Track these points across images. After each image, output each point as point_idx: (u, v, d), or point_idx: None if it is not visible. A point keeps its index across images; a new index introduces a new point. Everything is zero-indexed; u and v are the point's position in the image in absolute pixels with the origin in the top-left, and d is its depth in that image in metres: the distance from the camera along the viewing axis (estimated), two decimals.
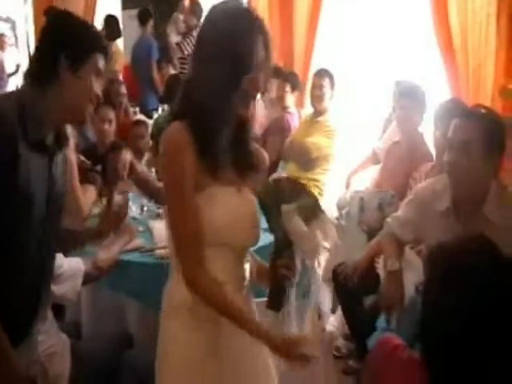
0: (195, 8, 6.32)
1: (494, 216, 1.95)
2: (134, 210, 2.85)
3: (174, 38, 6.45)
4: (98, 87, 1.58)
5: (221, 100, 1.39)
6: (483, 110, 2.09)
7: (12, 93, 1.80)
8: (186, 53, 5.96)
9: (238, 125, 1.47)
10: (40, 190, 1.51)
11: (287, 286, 1.50)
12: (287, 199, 1.50)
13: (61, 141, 1.60)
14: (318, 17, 4.56)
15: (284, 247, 1.48)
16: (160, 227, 2.67)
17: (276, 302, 1.51)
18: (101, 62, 1.58)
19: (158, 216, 2.81)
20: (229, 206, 1.44)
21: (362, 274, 2.56)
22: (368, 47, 4.40)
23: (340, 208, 3.27)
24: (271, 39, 1.44)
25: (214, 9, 1.47)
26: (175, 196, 1.40)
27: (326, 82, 3.92)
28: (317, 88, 3.94)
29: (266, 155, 1.67)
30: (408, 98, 3.23)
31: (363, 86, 4.44)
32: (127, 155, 2.53)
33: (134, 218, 2.79)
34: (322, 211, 1.51)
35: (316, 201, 1.53)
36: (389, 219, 2.31)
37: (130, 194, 3.11)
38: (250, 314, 1.48)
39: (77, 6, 6.45)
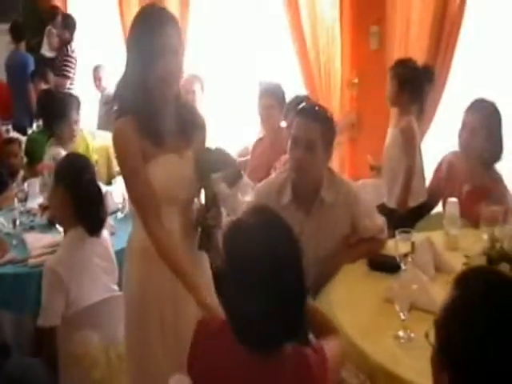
0: (68, 22, 6.25)
1: (328, 197, 2.25)
2: (6, 225, 2.87)
3: (48, 53, 6.36)
4: None
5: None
6: (320, 109, 2.34)
7: None
8: (61, 67, 5.90)
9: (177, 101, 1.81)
10: None
11: (215, 231, 1.85)
12: (215, 168, 1.84)
13: None
14: (187, 23, 4.73)
15: (212, 204, 1.84)
16: (33, 239, 2.73)
17: (205, 244, 1.86)
18: None
19: (31, 228, 2.86)
20: (170, 169, 1.79)
21: None
22: (233, 51, 4.64)
23: None
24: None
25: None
26: (127, 173, 1.80)
27: (197, 86, 4.10)
28: (189, 93, 4.11)
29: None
30: (269, 97, 3.48)
31: (233, 87, 4.66)
32: None
33: (7, 234, 2.81)
34: (242, 176, 1.88)
35: (238, 170, 1.88)
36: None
37: (4, 210, 3.14)
38: (190, 271, 1.74)
39: None
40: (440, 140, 3.52)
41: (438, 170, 3.08)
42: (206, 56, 4.65)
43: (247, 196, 1.88)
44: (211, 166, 1.82)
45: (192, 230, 1.88)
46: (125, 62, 1.80)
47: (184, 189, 1.83)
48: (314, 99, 3.82)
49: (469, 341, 0.91)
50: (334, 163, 4.00)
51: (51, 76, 5.62)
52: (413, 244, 2.00)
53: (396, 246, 2.04)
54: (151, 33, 1.71)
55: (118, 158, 1.83)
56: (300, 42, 4.00)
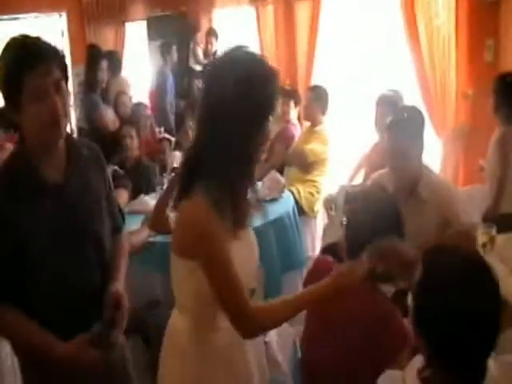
0: (212, 33, 6.93)
1: (425, 192, 2.53)
2: None
3: (197, 67, 7.16)
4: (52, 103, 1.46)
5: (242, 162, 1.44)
6: (410, 113, 2.62)
7: None
8: None
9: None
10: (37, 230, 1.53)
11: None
12: None
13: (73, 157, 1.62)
14: (315, 43, 5.24)
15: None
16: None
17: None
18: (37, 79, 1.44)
19: None
20: (237, 257, 1.45)
21: None
22: (356, 65, 5.02)
23: (329, 202, 3.93)
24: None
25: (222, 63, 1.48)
26: (221, 269, 1.43)
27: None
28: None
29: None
30: (384, 105, 3.81)
31: (357, 97, 5.03)
32: None
33: None
34: None
35: None
36: None
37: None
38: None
39: (109, 36, 7.30)
40: None
41: None
42: (336, 71, 5.09)
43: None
44: None
45: None
46: None
47: (249, 275, 1.58)
48: (429, 109, 4.09)
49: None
50: (448, 171, 4.22)
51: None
52: (492, 237, 2.27)
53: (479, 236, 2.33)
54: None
55: (209, 256, 1.46)
56: (417, 55, 4.29)
